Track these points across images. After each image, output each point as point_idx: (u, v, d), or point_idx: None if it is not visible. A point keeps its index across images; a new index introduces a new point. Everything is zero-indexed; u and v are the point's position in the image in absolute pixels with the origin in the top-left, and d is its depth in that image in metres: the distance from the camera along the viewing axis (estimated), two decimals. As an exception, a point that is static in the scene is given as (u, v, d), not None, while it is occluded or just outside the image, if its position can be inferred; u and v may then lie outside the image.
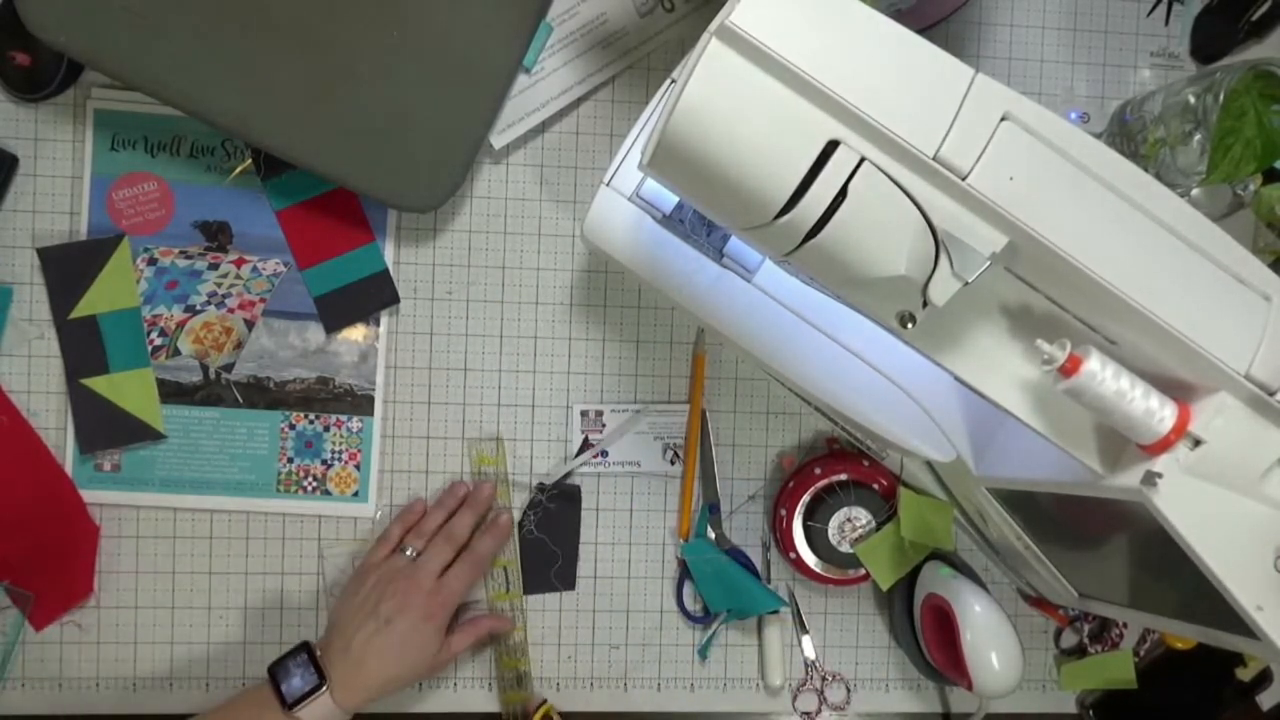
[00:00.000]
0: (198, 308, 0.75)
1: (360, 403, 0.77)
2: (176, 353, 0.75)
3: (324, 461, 0.76)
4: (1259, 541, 0.49)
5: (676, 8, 0.77)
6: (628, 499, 0.79)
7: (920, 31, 0.46)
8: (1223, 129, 0.66)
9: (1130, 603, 0.66)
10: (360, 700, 0.68)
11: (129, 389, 0.75)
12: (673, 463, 0.79)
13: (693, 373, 0.79)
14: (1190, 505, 0.48)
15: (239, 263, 0.75)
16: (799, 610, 0.82)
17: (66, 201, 0.74)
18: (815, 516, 0.77)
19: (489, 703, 0.79)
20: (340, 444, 0.76)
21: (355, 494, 0.77)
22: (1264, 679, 0.83)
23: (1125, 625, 0.84)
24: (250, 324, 0.76)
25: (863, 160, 0.45)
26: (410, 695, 0.78)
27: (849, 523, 0.78)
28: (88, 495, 0.75)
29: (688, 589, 0.80)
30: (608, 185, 0.68)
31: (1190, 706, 0.84)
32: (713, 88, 0.44)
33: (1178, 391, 0.49)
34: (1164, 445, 0.48)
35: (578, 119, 0.78)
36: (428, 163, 0.71)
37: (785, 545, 0.78)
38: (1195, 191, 0.73)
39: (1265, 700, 0.84)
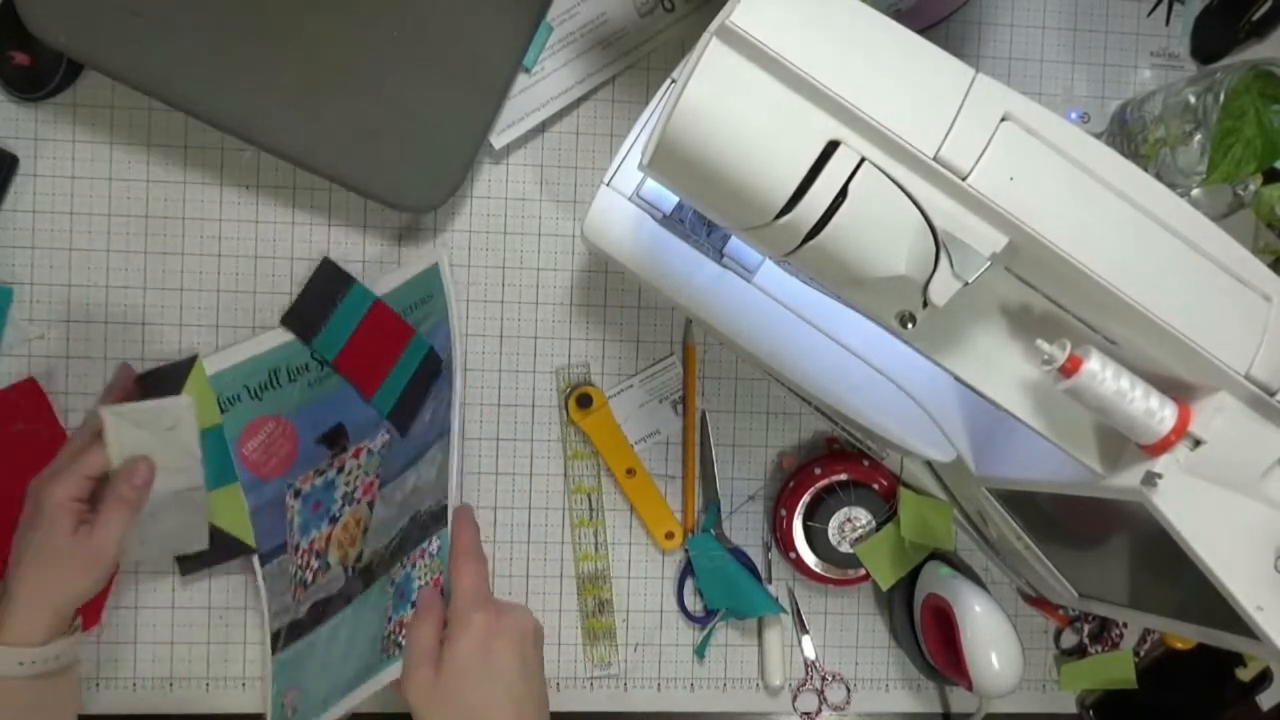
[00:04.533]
0: (335, 514, 0.74)
1: (437, 516, 0.67)
2: (327, 567, 0.73)
3: (413, 603, 0.65)
4: (1259, 541, 0.49)
5: (676, 8, 0.77)
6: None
7: (920, 31, 0.46)
8: (1223, 129, 0.66)
9: (1130, 603, 0.66)
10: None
11: (219, 507, 0.74)
12: (676, 410, 0.79)
13: (685, 366, 0.79)
14: (1190, 505, 0.48)
15: (357, 453, 0.74)
16: (799, 610, 0.82)
17: (67, 201, 0.74)
18: (815, 516, 0.77)
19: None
20: (425, 575, 0.65)
21: None
22: (1264, 679, 0.83)
23: (1125, 625, 0.84)
24: (372, 505, 0.73)
25: (863, 160, 0.45)
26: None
27: (849, 523, 0.78)
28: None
29: (688, 588, 0.80)
30: (608, 185, 0.68)
31: (1190, 706, 0.84)
32: (713, 88, 0.44)
33: (1178, 391, 0.49)
34: (1164, 445, 0.48)
35: (578, 119, 0.78)
36: (428, 162, 0.71)
37: (785, 545, 0.78)
38: (1195, 191, 0.73)
39: (1265, 700, 0.84)
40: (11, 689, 0.59)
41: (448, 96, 0.71)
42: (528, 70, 0.75)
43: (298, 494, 0.75)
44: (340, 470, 0.74)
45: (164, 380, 0.74)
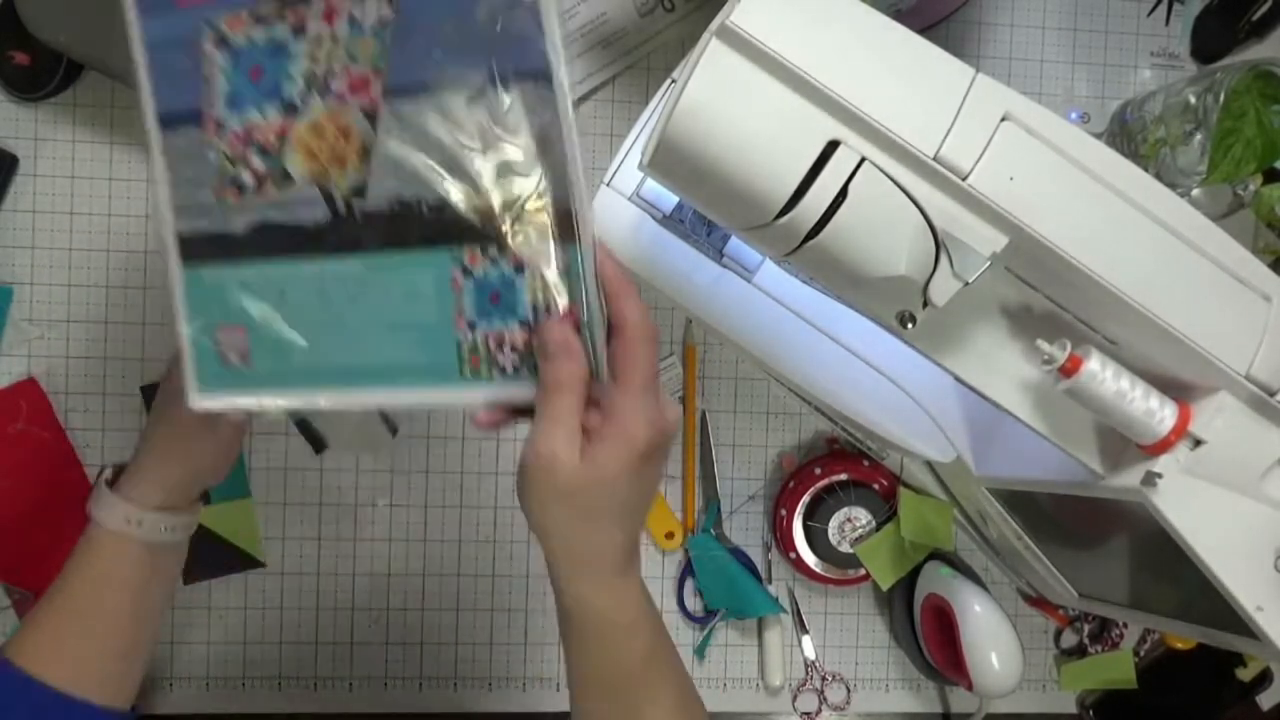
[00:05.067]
0: (298, 103, 0.50)
1: (559, 217, 0.46)
2: (286, 178, 0.50)
3: (524, 322, 0.47)
4: (1259, 541, 0.49)
5: (676, 8, 0.77)
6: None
7: (920, 31, 0.46)
8: (1223, 129, 0.66)
9: (1130, 603, 0.66)
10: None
11: (229, 519, 0.75)
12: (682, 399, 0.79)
13: (684, 365, 0.79)
14: (1190, 505, 0.48)
15: (329, 16, 0.49)
16: (799, 610, 0.82)
17: (67, 201, 0.74)
18: (815, 516, 0.77)
19: (490, 702, 0.79)
20: (540, 292, 0.47)
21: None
22: (1264, 679, 0.83)
23: (1125, 625, 0.84)
24: (372, 116, 0.49)
25: (863, 160, 0.45)
26: (410, 695, 0.79)
27: (849, 523, 0.78)
28: (213, 401, 0.53)
29: (688, 588, 0.80)
30: (608, 185, 0.68)
31: (1190, 706, 0.84)
32: (713, 88, 0.44)
33: (1178, 391, 0.49)
34: (1164, 445, 0.48)
35: (578, 119, 0.78)
36: None
37: (785, 545, 0.78)
38: (1195, 191, 0.73)
39: (1265, 700, 0.84)
40: (119, 549, 0.58)
41: None
42: None
43: (223, 42, 0.50)
44: (299, 31, 0.49)
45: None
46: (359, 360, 0.50)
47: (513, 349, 0.48)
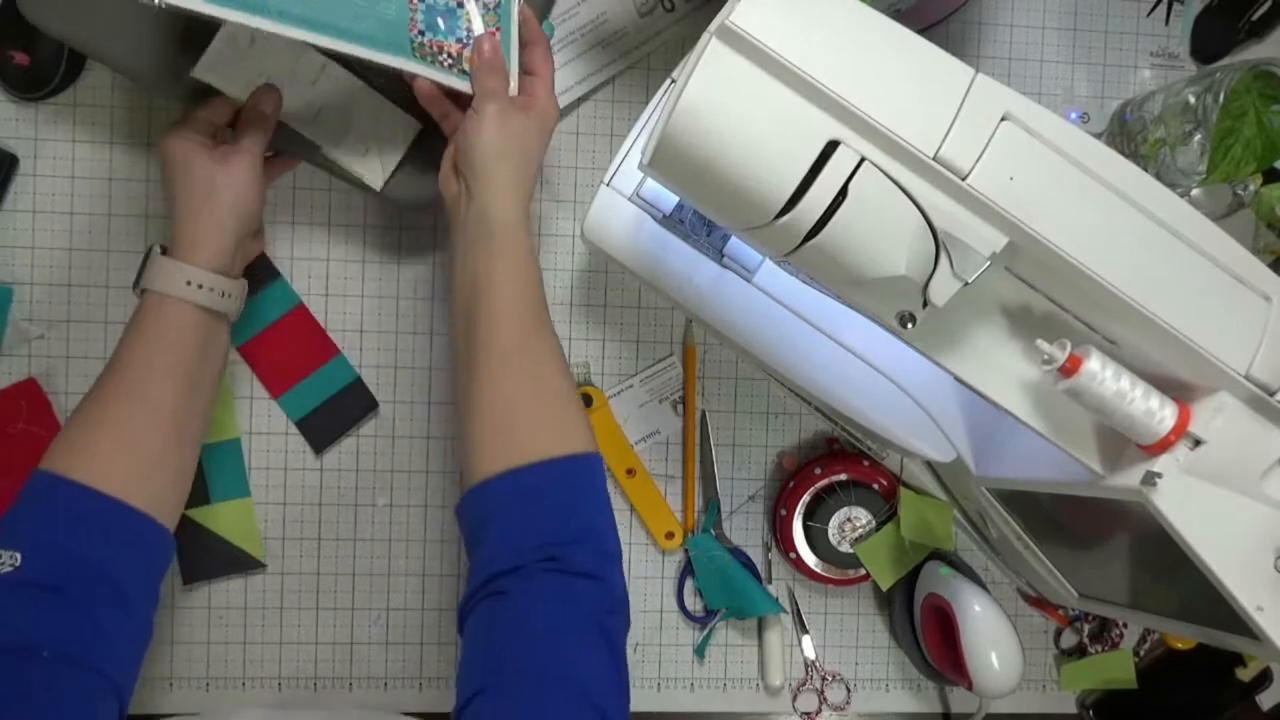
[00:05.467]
0: None
1: None
2: None
3: (459, 40, 0.64)
4: (1259, 541, 0.49)
5: (676, 8, 0.77)
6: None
7: (920, 31, 0.46)
8: (1223, 129, 0.66)
9: (1130, 603, 0.66)
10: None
11: (229, 519, 0.75)
12: (676, 410, 0.79)
13: (684, 365, 0.79)
14: (1190, 505, 0.48)
15: None
16: (799, 610, 0.82)
17: (67, 201, 0.74)
18: (815, 516, 0.77)
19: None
20: (477, 19, 0.65)
21: None
22: (1264, 679, 0.83)
23: (1125, 625, 0.84)
24: None
25: (863, 160, 0.45)
26: (410, 695, 0.79)
27: (849, 523, 0.78)
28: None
29: (688, 588, 0.80)
30: (608, 185, 0.68)
31: (1190, 706, 0.84)
32: (713, 88, 0.44)
33: (1178, 391, 0.49)
34: (1164, 445, 0.48)
35: (578, 119, 0.78)
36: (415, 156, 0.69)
37: (785, 545, 0.78)
38: (1195, 191, 0.73)
39: (1265, 700, 0.84)
40: (179, 315, 0.60)
41: None
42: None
43: None
44: None
45: None
46: (326, 18, 0.60)
47: (449, 56, 0.64)
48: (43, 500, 0.56)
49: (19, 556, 0.52)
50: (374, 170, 0.69)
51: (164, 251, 0.61)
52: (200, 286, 0.60)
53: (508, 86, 0.64)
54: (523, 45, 0.66)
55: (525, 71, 0.66)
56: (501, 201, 0.61)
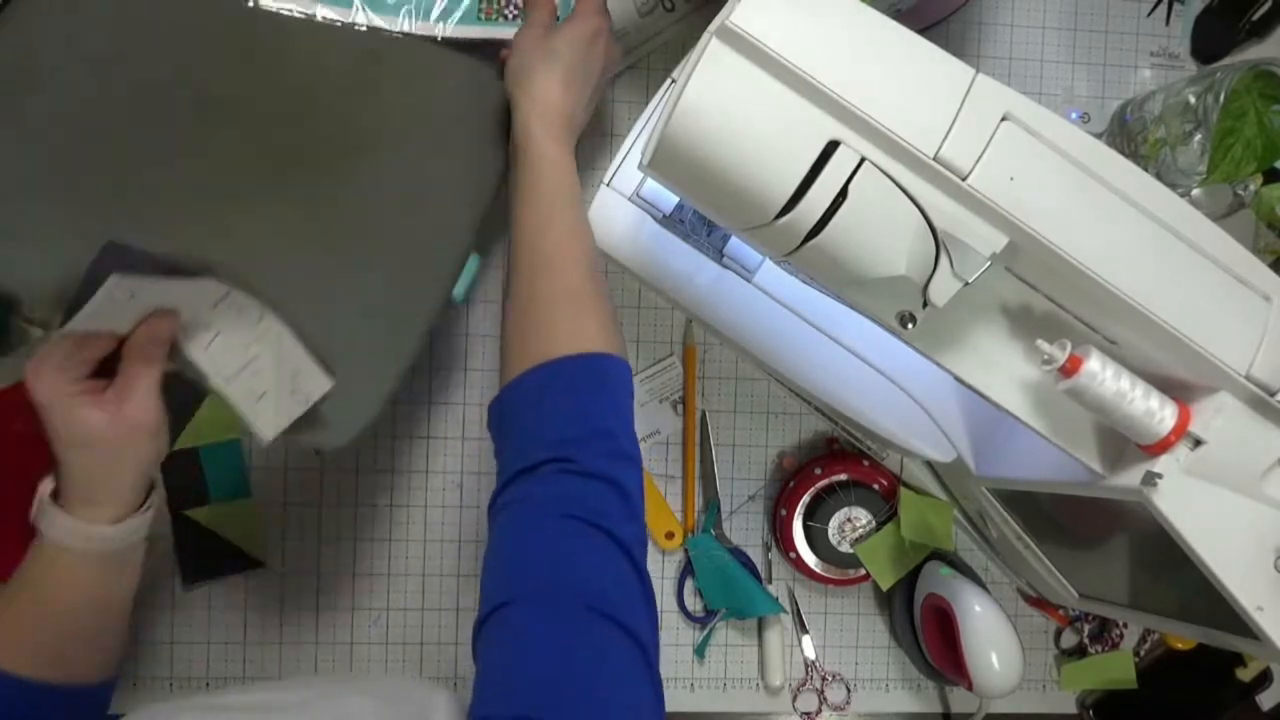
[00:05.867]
0: None
1: None
2: None
3: None
4: (1259, 541, 0.49)
5: (676, 8, 0.77)
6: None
7: (920, 31, 0.46)
8: (1223, 129, 0.66)
9: (1130, 603, 0.66)
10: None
11: (229, 519, 0.75)
12: (676, 410, 0.79)
13: (684, 365, 0.79)
14: (1190, 505, 0.48)
15: None
16: (799, 610, 0.82)
17: (67, 201, 0.74)
18: (815, 516, 0.77)
19: (489, 703, 0.79)
20: None
21: None
22: (1264, 679, 0.83)
23: (1125, 625, 0.84)
24: None
25: (863, 160, 0.45)
26: (410, 695, 0.79)
27: (849, 523, 0.78)
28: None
29: (688, 588, 0.80)
30: (608, 185, 0.68)
31: (1190, 706, 0.84)
32: (713, 88, 0.44)
33: (1178, 391, 0.49)
34: (1164, 445, 0.48)
35: (578, 119, 0.78)
36: (337, 390, 0.59)
37: (785, 545, 0.78)
38: (1195, 191, 0.73)
39: (1265, 700, 0.84)
40: (76, 560, 0.55)
41: (367, 328, 0.61)
42: (455, 303, 0.72)
43: None
44: None
45: (187, 388, 0.74)
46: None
47: (515, 6, 0.70)
48: None
49: None
50: (266, 419, 0.58)
51: (56, 495, 0.55)
52: (96, 540, 0.55)
53: (548, 16, 0.66)
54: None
55: None
56: (526, 118, 0.62)
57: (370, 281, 0.61)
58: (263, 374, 0.58)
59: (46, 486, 0.56)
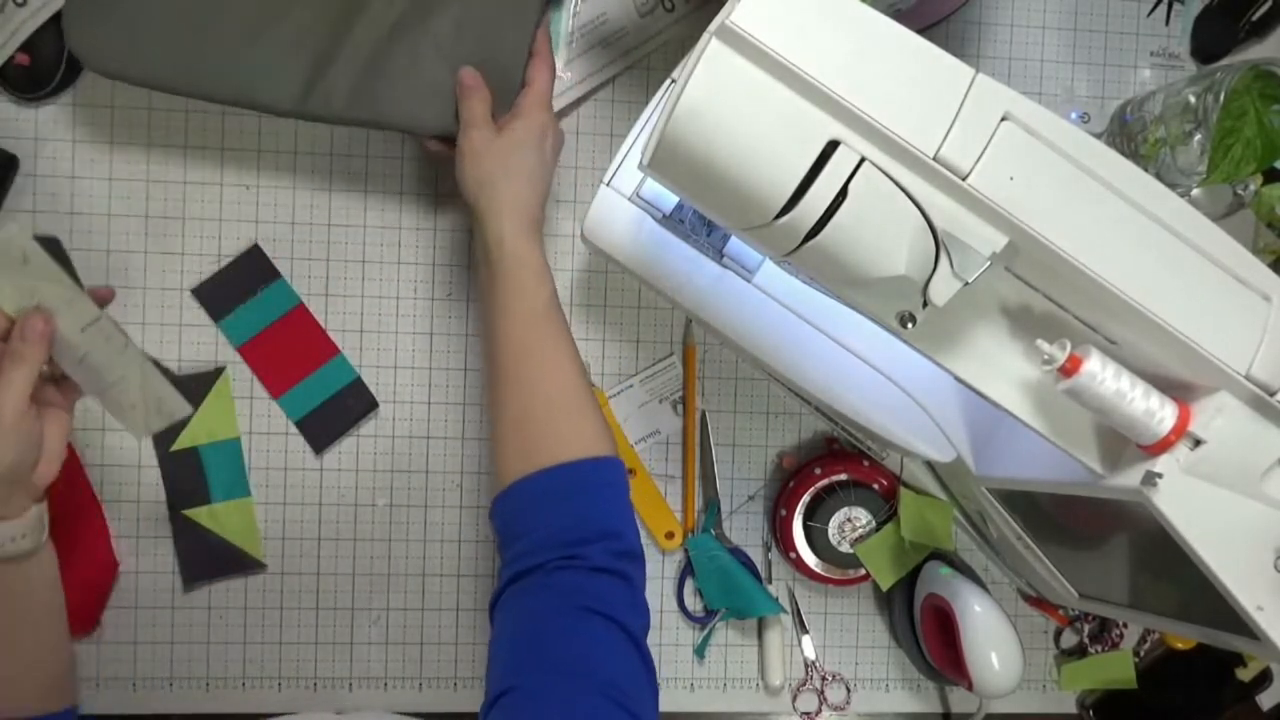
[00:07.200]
0: None
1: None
2: None
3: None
4: (1259, 541, 0.49)
5: (676, 8, 0.77)
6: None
7: (920, 31, 0.46)
8: (1223, 129, 0.66)
9: (1130, 603, 0.66)
10: None
11: (230, 519, 0.76)
12: (676, 410, 0.79)
13: (684, 365, 0.79)
14: (1190, 505, 0.48)
15: None
16: (799, 610, 0.82)
17: (67, 201, 0.74)
18: (815, 516, 0.77)
19: (489, 703, 0.79)
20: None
21: None
22: (1264, 679, 0.83)
23: (1125, 625, 0.84)
24: None
25: (863, 160, 0.45)
26: (410, 695, 0.79)
27: (849, 523, 0.78)
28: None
29: (688, 588, 0.80)
30: (608, 185, 0.68)
31: (1190, 706, 0.84)
32: (713, 88, 0.44)
33: (1178, 391, 0.49)
34: (1164, 445, 0.48)
35: (578, 119, 0.78)
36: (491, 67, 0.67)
37: (785, 545, 0.78)
38: (1195, 191, 0.73)
39: (1265, 700, 0.84)
40: None
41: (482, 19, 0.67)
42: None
43: None
44: None
45: (187, 388, 0.74)
46: None
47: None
48: None
49: None
50: (136, 423, 0.63)
51: None
52: None
53: (486, 111, 0.65)
54: (528, 56, 0.67)
55: (522, 84, 0.67)
56: (498, 224, 0.63)
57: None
58: (129, 391, 0.62)
59: None
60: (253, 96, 0.67)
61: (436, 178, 0.77)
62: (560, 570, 0.55)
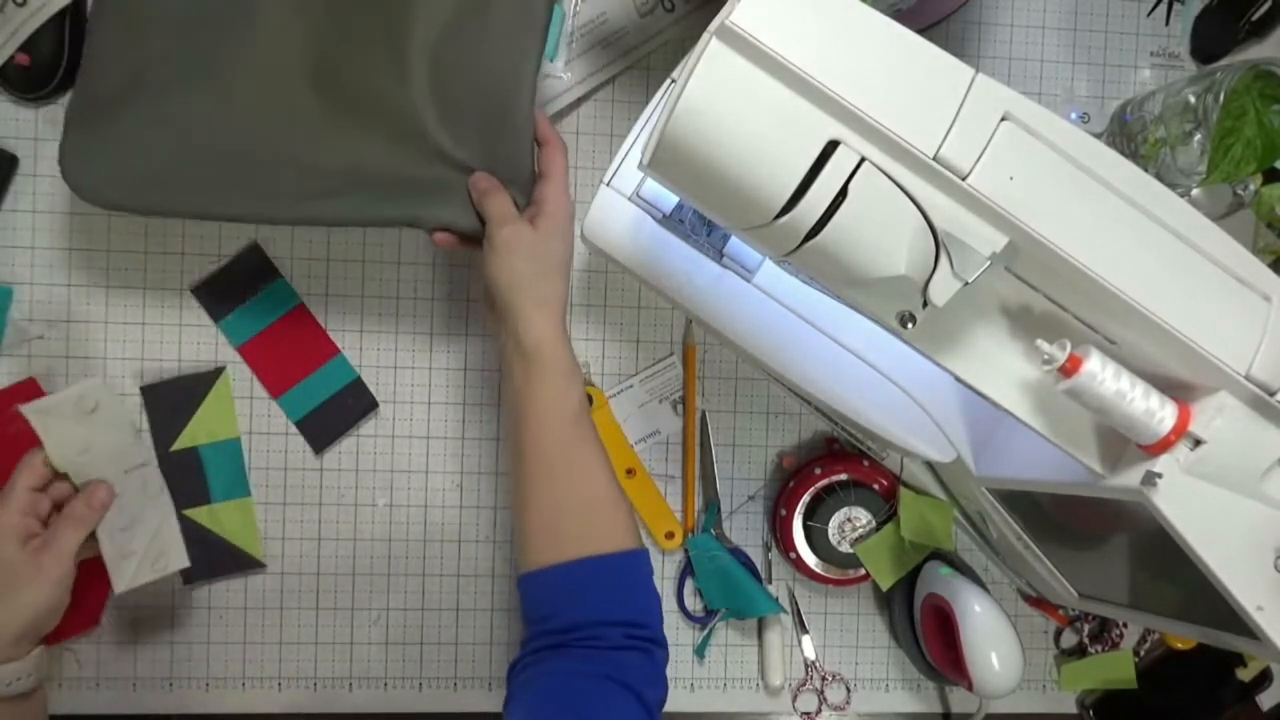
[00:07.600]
0: None
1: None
2: None
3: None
4: (1259, 541, 0.49)
5: (676, 8, 0.77)
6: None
7: (920, 31, 0.46)
8: (1223, 129, 0.66)
9: (1130, 603, 0.66)
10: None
11: (230, 519, 0.76)
12: (676, 409, 0.79)
13: (684, 365, 0.79)
14: (1190, 505, 0.48)
15: None
16: (799, 610, 0.82)
17: (67, 201, 0.74)
18: (815, 516, 0.77)
19: (490, 702, 0.79)
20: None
21: None
22: (1264, 679, 0.83)
23: (1125, 625, 0.84)
24: None
25: (863, 160, 0.45)
26: (410, 695, 0.79)
27: (849, 523, 0.78)
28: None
29: (688, 588, 0.80)
30: (608, 185, 0.68)
31: (1190, 706, 0.84)
32: (713, 88, 0.44)
33: (1178, 391, 0.49)
34: (1164, 445, 0.48)
35: (578, 119, 0.78)
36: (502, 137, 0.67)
37: (785, 545, 0.78)
38: (1195, 191, 0.73)
39: (1265, 700, 0.84)
40: None
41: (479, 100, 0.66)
42: (552, 60, 0.75)
43: None
44: None
45: (187, 388, 0.74)
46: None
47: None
48: None
49: None
50: (123, 575, 0.67)
51: None
52: None
53: (512, 206, 0.64)
54: (537, 145, 0.67)
55: (538, 175, 0.66)
56: (531, 324, 0.62)
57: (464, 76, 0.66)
58: (137, 539, 0.68)
59: None
60: (255, 213, 0.66)
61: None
62: (582, 646, 0.58)
